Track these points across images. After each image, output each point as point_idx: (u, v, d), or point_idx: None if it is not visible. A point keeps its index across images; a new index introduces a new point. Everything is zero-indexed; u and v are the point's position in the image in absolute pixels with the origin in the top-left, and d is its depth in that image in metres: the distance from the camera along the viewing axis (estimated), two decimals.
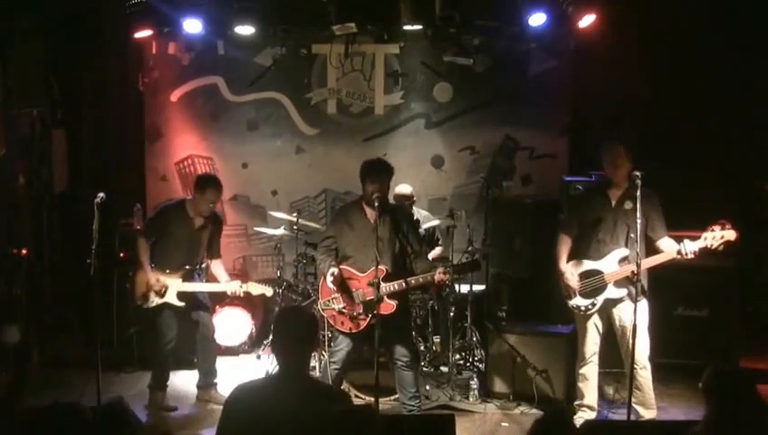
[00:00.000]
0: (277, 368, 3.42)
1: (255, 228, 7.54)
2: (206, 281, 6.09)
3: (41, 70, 7.45)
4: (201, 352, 6.09)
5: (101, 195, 5.16)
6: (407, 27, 6.96)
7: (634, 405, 5.16)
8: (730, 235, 5.06)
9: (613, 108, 7.31)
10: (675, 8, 6.96)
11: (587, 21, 6.48)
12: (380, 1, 6.74)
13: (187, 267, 5.84)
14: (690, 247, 5.04)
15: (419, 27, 6.99)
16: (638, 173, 4.96)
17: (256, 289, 5.83)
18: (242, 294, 5.87)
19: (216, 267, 6.06)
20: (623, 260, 5.19)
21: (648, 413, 5.27)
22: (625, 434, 4.69)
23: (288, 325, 3.41)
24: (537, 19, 6.58)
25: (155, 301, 5.77)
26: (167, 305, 5.78)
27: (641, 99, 7.26)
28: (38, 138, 7.39)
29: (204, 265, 6.05)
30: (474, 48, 7.47)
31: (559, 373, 5.87)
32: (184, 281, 5.80)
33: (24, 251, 7.00)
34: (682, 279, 6.18)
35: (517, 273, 6.93)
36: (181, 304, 5.80)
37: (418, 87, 7.91)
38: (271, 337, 3.48)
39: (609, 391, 5.99)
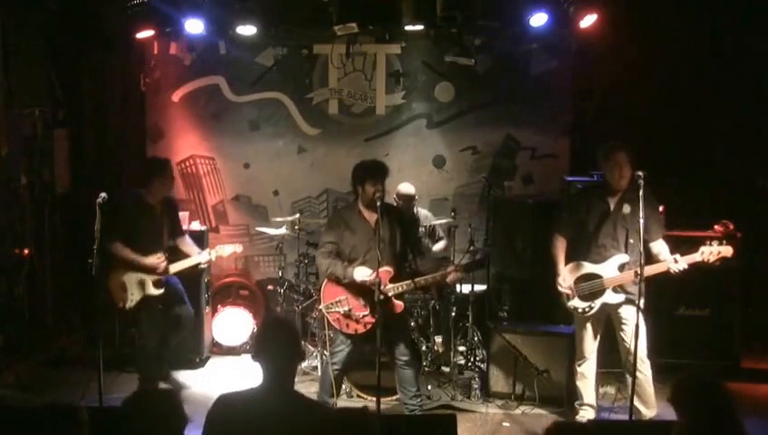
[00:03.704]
0: (262, 379, 3.33)
1: (257, 228, 7.54)
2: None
3: (43, 70, 7.46)
4: (175, 345, 6.14)
5: (103, 195, 5.18)
6: (408, 27, 6.95)
7: (635, 404, 5.16)
8: (727, 251, 5.05)
9: (614, 108, 7.31)
10: (675, 8, 6.97)
11: (588, 21, 6.47)
12: (382, 1, 6.74)
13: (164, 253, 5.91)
14: (682, 265, 5.06)
15: (421, 27, 6.98)
16: (640, 173, 4.96)
17: (226, 251, 6.08)
18: (215, 259, 6.10)
19: (184, 244, 6.14)
20: (623, 266, 5.20)
21: (648, 412, 5.27)
22: (626, 434, 4.69)
23: (278, 336, 3.34)
24: (538, 19, 6.58)
25: (134, 297, 5.80)
26: (146, 298, 5.82)
27: (642, 99, 7.26)
28: (40, 138, 7.40)
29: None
30: (475, 48, 7.47)
31: (560, 373, 5.87)
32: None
33: (25, 251, 7.01)
34: (683, 279, 6.17)
35: (518, 273, 6.94)
36: (159, 291, 5.85)
37: (420, 87, 7.91)
38: (255, 348, 3.41)
39: (611, 390, 5.99)
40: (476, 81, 7.74)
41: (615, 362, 5.59)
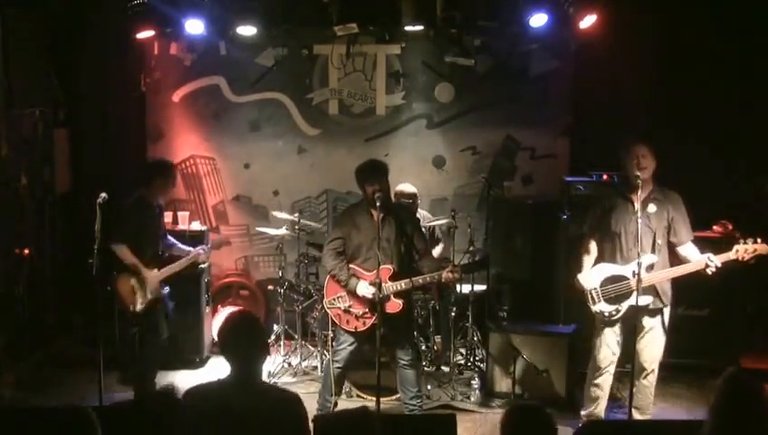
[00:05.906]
0: (229, 373, 3.35)
1: (257, 228, 7.55)
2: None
3: (43, 70, 7.46)
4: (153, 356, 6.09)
5: (103, 195, 5.20)
6: (408, 28, 6.96)
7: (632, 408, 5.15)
8: (763, 248, 4.93)
9: (614, 108, 7.31)
10: (675, 8, 6.97)
11: (588, 21, 6.48)
12: (382, 1, 6.75)
13: (159, 253, 5.95)
14: (717, 261, 4.95)
15: (421, 28, 6.99)
16: (638, 174, 4.95)
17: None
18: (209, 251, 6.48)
19: (174, 245, 6.19)
20: (650, 268, 5.03)
21: (642, 418, 5.25)
22: (625, 434, 4.70)
23: (240, 331, 3.36)
24: (538, 20, 6.58)
25: (145, 299, 5.80)
26: (157, 299, 5.84)
27: (642, 99, 7.26)
28: (40, 138, 7.41)
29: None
30: (475, 49, 7.46)
31: (560, 373, 5.88)
32: (160, 269, 5.89)
33: (26, 251, 7.02)
34: (683, 279, 6.19)
35: (518, 273, 6.94)
36: (166, 289, 5.93)
37: (420, 87, 7.90)
38: (219, 342, 3.43)
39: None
40: (476, 81, 7.73)
41: (618, 361, 5.58)
